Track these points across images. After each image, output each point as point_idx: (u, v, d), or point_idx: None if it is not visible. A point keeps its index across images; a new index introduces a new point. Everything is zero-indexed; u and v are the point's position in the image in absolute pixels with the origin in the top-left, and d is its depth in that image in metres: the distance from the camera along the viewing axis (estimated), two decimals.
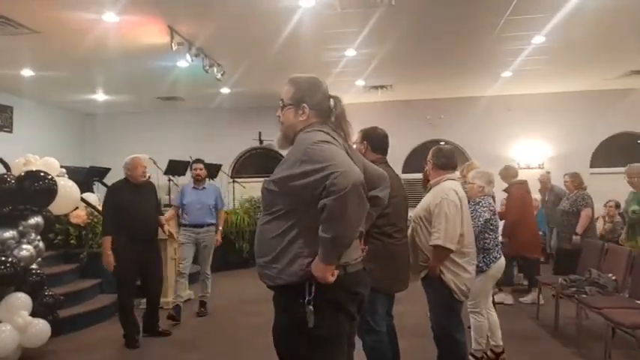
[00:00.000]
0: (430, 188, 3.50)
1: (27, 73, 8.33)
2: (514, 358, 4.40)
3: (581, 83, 9.76)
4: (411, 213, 3.48)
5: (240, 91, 9.79)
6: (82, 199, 6.01)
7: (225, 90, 9.72)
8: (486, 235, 3.97)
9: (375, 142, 3.40)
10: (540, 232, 7.32)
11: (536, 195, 7.70)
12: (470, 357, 3.81)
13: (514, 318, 5.54)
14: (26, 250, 4.35)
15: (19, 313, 4.15)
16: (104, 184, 8.13)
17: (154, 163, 9.21)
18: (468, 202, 3.65)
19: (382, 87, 9.80)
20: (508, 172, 6.35)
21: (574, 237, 6.12)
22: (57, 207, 4.96)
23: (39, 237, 4.59)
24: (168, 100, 10.66)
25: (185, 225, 5.72)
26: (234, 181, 10.83)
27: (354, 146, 3.35)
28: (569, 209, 6.35)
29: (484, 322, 4.04)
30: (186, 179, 7.17)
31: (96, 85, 9.58)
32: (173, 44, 6.24)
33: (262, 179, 2.28)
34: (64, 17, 5.84)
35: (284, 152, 2.17)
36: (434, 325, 3.43)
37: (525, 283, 6.73)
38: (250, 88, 9.47)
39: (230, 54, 7.32)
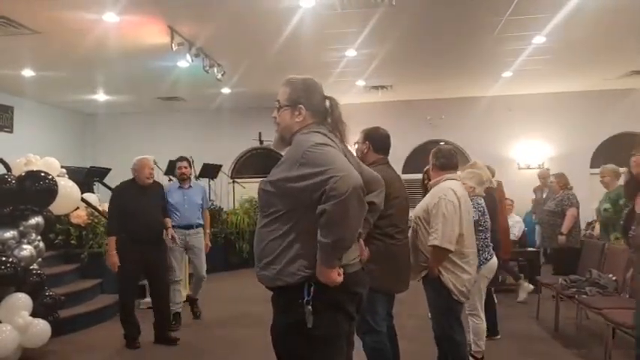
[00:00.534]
0: (430, 189, 3.49)
1: (27, 73, 8.33)
2: (514, 358, 4.41)
3: (582, 83, 9.75)
4: (412, 213, 3.48)
5: (241, 92, 9.78)
6: (83, 200, 6.01)
7: (225, 90, 9.72)
8: (476, 235, 3.96)
9: (378, 142, 3.39)
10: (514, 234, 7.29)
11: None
12: (470, 358, 3.81)
13: (514, 318, 5.55)
14: (27, 250, 4.35)
15: (20, 313, 4.15)
16: (104, 185, 8.12)
17: (155, 163, 9.24)
18: None
19: (382, 87, 9.80)
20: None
21: (559, 237, 6.15)
22: (57, 207, 4.97)
23: (39, 237, 4.60)
24: (169, 100, 10.66)
25: (172, 227, 5.36)
26: (234, 182, 10.84)
27: (356, 146, 3.37)
28: (554, 209, 6.39)
29: (482, 324, 4.04)
30: None
31: (96, 86, 9.57)
32: (173, 44, 6.24)
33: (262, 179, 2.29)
34: (65, 17, 5.84)
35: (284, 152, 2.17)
36: (433, 325, 3.43)
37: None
38: (250, 88, 9.47)
39: (230, 54, 7.32)
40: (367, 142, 3.37)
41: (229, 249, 9.32)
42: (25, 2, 5.37)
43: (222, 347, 4.83)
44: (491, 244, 4.12)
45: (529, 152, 10.55)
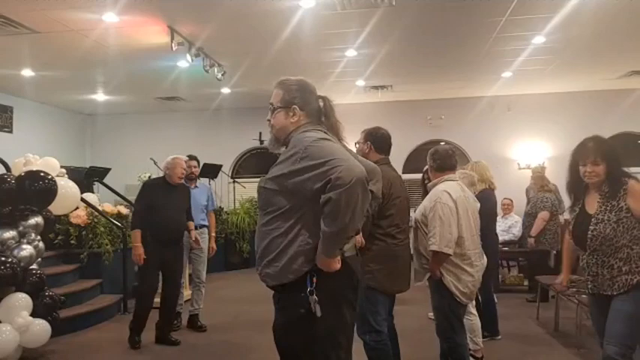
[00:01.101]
0: (429, 190, 3.49)
1: (27, 73, 8.33)
2: (514, 358, 4.41)
3: (581, 83, 9.75)
4: (412, 214, 3.48)
5: (241, 91, 9.78)
6: (82, 200, 6.00)
7: (225, 90, 9.72)
8: None
9: (379, 142, 3.39)
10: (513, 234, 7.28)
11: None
12: (470, 358, 3.81)
13: (514, 318, 5.55)
14: (26, 250, 4.34)
15: (20, 313, 4.14)
16: (104, 185, 8.13)
17: (155, 163, 9.24)
18: None
19: (382, 87, 9.80)
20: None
21: (528, 239, 6.15)
22: (57, 207, 4.96)
23: (39, 237, 4.59)
24: (169, 100, 10.66)
25: None
26: (234, 182, 10.85)
27: (357, 146, 3.38)
28: (529, 211, 6.41)
29: (476, 320, 4.07)
30: None
31: (96, 86, 9.57)
32: (173, 44, 6.23)
33: None
34: (64, 17, 5.84)
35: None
36: (436, 326, 3.44)
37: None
38: (250, 88, 9.46)
39: (230, 54, 7.31)
40: (368, 142, 3.37)
41: (229, 249, 9.32)
42: (25, 2, 5.36)
43: (223, 347, 4.82)
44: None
45: (529, 152, 10.55)
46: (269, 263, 2.03)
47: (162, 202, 4.69)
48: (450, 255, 3.17)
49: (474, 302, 4.11)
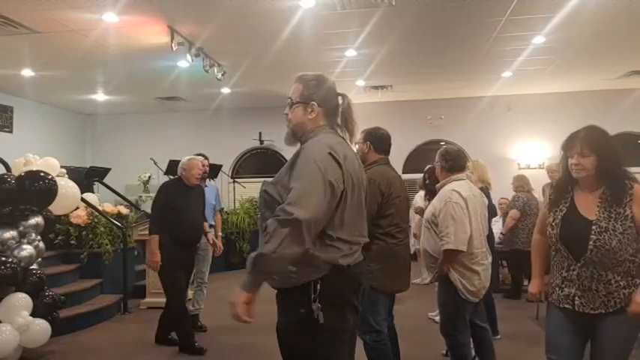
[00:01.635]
0: (438, 191, 3.50)
1: (27, 73, 8.33)
2: (514, 358, 4.40)
3: (581, 83, 9.75)
4: (411, 214, 3.48)
5: (241, 91, 9.78)
6: (83, 200, 6.00)
7: (225, 90, 9.72)
8: None
9: (378, 142, 3.40)
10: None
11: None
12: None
13: (514, 318, 5.55)
14: (26, 250, 4.34)
15: (20, 313, 4.14)
16: (104, 185, 8.13)
17: (155, 163, 9.25)
18: None
19: (382, 87, 9.80)
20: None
21: (500, 236, 6.26)
22: (57, 207, 4.95)
23: (39, 237, 4.58)
24: (169, 100, 10.66)
25: None
26: (234, 182, 10.84)
27: (356, 146, 3.37)
28: (507, 211, 6.55)
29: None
30: None
31: (96, 86, 9.57)
32: (173, 44, 6.23)
33: (263, 179, 2.30)
34: (64, 17, 5.84)
35: (285, 152, 2.18)
36: (440, 324, 3.44)
37: None
38: (250, 88, 9.47)
39: (230, 54, 7.32)
40: (368, 142, 3.39)
41: (230, 249, 9.29)
42: (25, 2, 5.36)
43: (223, 348, 4.82)
44: None
45: (529, 152, 10.55)
46: None
47: (181, 204, 4.59)
48: (464, 251, 3.19)
49: None
